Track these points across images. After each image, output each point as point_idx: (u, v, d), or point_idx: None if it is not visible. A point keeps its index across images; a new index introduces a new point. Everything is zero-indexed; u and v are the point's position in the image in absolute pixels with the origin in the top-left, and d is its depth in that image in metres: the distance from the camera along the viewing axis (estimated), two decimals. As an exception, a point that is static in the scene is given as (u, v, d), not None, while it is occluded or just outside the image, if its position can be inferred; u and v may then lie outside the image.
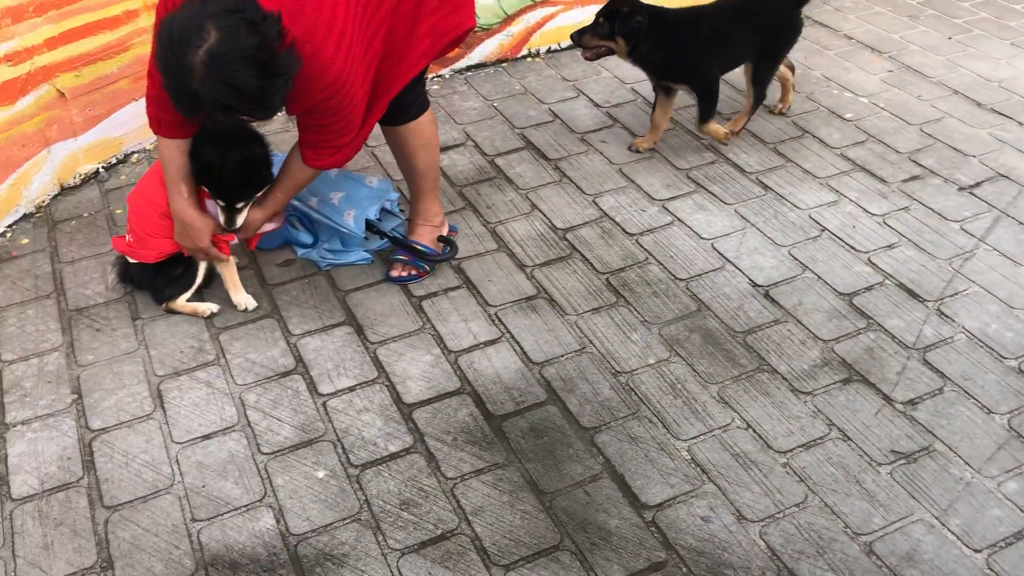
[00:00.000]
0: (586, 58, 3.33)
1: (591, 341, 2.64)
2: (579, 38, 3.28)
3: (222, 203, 2.54)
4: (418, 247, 2.86)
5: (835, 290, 2.79)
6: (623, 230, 3.08)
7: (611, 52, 3.27)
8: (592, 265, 2.93)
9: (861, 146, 3.49)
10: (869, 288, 2.79)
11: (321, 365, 2.58)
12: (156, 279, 2.75)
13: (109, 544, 2.10)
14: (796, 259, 2.92)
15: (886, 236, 3.01)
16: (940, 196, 3.19)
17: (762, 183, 3.29)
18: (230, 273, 2.75)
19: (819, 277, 2.84)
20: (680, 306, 2.75)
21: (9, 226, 3.15)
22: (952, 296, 2.76)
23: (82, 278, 2.92)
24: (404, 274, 2.86)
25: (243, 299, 2.76)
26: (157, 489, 2.23)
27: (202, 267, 2.73)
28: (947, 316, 2.69)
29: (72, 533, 2.13)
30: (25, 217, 3.20)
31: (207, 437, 2.37)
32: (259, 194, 2.60)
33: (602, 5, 3.24)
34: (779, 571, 2.01)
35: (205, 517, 2.16)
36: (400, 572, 2.03)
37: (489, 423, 2.38)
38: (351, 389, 2.50)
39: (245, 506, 2.18)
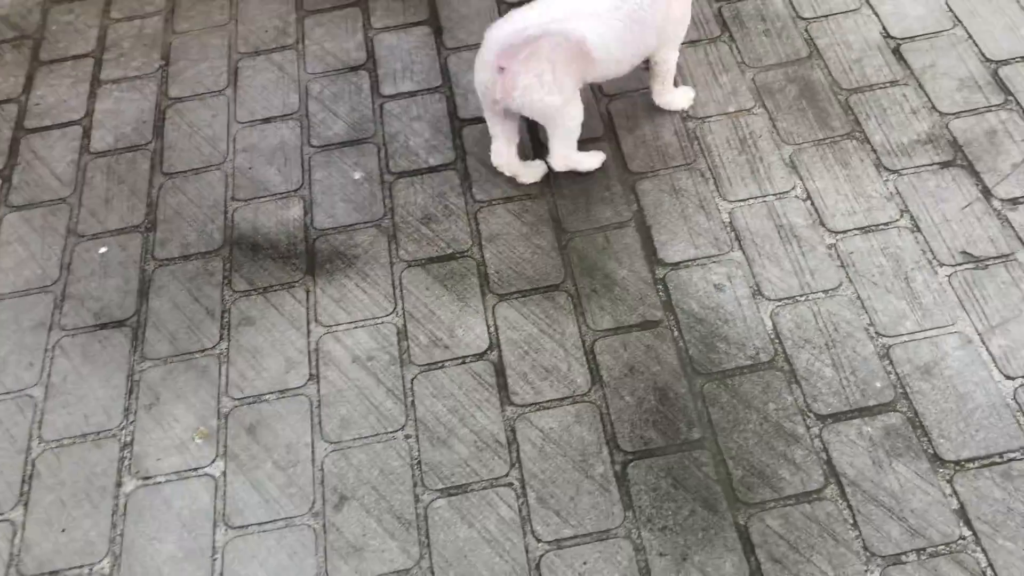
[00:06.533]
0: None
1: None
2: None
3: None
4: None
5: (982, 54, 2.34)
6: (757, -49, 2.68)
7: None
8: (707, -11, 2.60)
9: None
10: (1027, 58, 2.33)
11: (390, 64, 2.52)
12: None
13: (157, 208, 2.28)
14: (951, 10, 2.45)
15: (1082, -6, 2.44)
16: None
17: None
18: None
19: (969, 36, 2.38)
20: (789, 50, 2.42)
21: None
22: None
23: (193, -58, 2.93)
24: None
25: None
26: (210, 164, 2.35)
27: None
28: (1112, 106, 2.22)
29: (130, 192, 2.32)
30: None
31: (266, 121, 2.43)
32: None
33: None
34: (775, 354, 1.89)
35: (243, 198, 2.28)
36: (401, 282, 2.09)
37: (536, 154, 2.28)
38: (412, 94, 2.45)
39: (282, 194, 2.27)
